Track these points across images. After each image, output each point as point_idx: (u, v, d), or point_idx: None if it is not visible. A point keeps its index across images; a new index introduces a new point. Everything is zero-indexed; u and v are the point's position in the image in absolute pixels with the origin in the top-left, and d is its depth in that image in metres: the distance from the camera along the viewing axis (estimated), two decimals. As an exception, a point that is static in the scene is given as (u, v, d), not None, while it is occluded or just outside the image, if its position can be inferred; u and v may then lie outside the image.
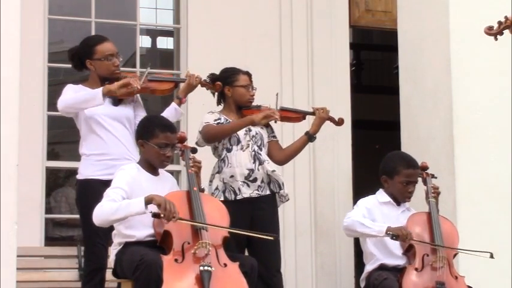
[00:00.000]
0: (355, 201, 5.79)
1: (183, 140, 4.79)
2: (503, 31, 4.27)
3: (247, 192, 5.42)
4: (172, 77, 5.91)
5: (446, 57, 6.08)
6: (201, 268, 4.31)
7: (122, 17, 8.01)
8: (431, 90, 6.22)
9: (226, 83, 5.56)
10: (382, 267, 5.17)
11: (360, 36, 10.36)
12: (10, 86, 4.62)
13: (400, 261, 5.18)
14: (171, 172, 5.46)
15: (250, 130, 5.54)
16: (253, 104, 5.64)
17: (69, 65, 5.41)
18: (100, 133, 5.06)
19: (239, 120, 5.56)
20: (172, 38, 8.23)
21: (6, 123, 4.57)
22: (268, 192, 5.49)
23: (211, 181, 5.48)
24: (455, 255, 5.23)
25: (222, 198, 5.33)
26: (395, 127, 6.63)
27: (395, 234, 4.98)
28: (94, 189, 4.85)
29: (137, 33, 7.64)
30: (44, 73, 7.10)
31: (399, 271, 5.10)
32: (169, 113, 5.20)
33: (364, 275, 5.28)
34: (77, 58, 5.23)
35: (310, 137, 5.68)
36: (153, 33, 10.13)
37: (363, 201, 5.30)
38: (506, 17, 4.27)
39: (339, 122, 5.80)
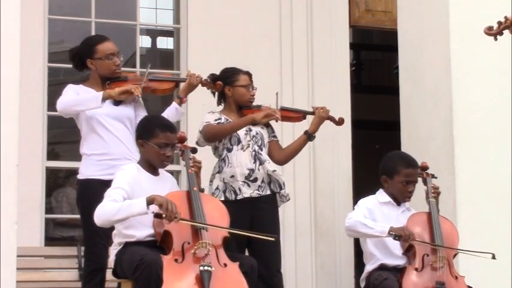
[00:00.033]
0: (355, 201, 5.79)
1: (183, 140, 4.78)
2: (503, 31, 4.28)
3: (247, 192, 5.41)
4: (173, 76, 5.91)
5: (446, 57, 6.08)
6: (201, 268, 4.30)
7: (122, 17, 8.00)
8: (431, 90, 6.22)
9: (227, 83, 5.55)
10: (382, 267, 5.17)
11: (360, 36, 10.36)
12: (10, 86, 4.62)
13: (400, 261, 5.18)
14: (171, 172, 5.45)
15: (250, 130, 5.53)
16: (254, 104, 5.64)
17: (70, 65, 5.41)
18: (101, 133, 5.06)
19: (240, 119, 5.55)
20: (172, 38, 8.22)
21: (6, 123, 4.57)
22: (268, 192, 5.48)
23: (211, 181, 5.48)
24: (455, 255, 5.23)
25: (223, 198, 5.32)
26: (395, 127, 6.63)
27: (398, 234, 4.98)
28: (95, 189, 4.85)
29: (137, 33, 7.64)
30: (44, 73, 7.10)
31: (399, 271, 5.09)
32: (170, 112, 5.20)
33: (364, 275, 5.27)
34: (77, 58, 5.23)
35: (309, 136, 5.67)
36: (153, 33, 10.13)
37: (364, 202, 5.30)
38: (506, 17, 4.27)
39: (339, 122, 5.79)
